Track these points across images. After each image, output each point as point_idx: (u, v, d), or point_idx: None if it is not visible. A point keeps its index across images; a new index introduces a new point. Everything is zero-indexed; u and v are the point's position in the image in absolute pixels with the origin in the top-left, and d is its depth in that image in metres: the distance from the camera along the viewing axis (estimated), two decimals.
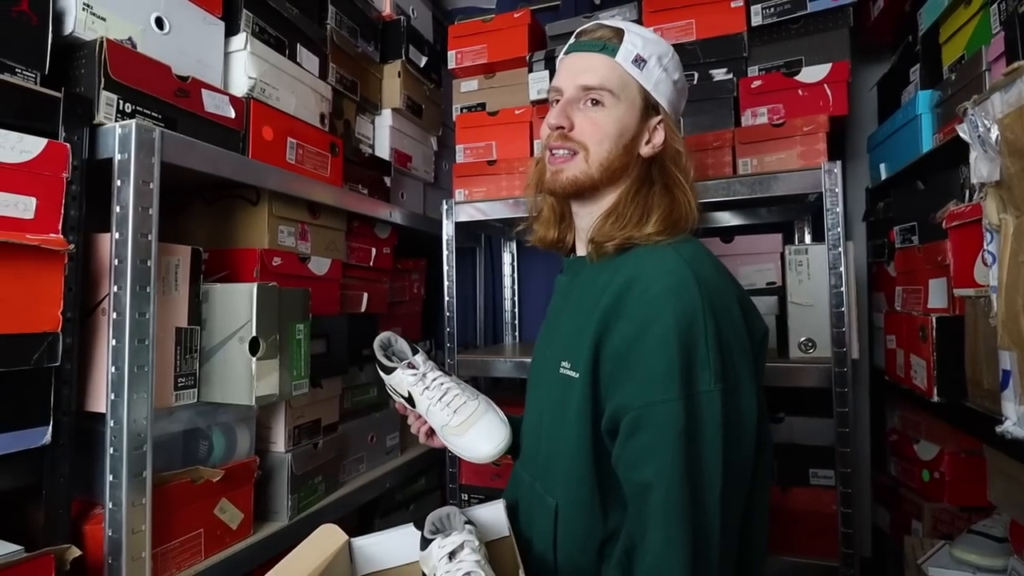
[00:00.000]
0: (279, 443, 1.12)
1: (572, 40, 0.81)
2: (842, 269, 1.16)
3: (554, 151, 0.78)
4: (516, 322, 1.97)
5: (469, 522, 0.71)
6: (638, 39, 0.76)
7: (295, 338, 1.04)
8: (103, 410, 0.82)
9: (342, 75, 1.37)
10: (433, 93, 1.70)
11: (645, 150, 0.78)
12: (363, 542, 0.74)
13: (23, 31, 0.78)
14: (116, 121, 0.85)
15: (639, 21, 1.45)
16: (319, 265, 1.21)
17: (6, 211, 0.72)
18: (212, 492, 0.96)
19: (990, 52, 0.99)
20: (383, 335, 0.95)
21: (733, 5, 1.36)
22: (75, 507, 0.83)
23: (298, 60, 1.22)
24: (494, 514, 0.76)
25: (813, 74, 1.29)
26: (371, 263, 1.42)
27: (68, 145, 0.79)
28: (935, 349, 1.06)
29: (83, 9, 0.85)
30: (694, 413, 0.63)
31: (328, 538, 0.72)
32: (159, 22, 0.96)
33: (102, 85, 0.84)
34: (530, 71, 1.50)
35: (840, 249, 1.16)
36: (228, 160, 1.00)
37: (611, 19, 0.82)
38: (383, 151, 1.52)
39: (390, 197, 1.50)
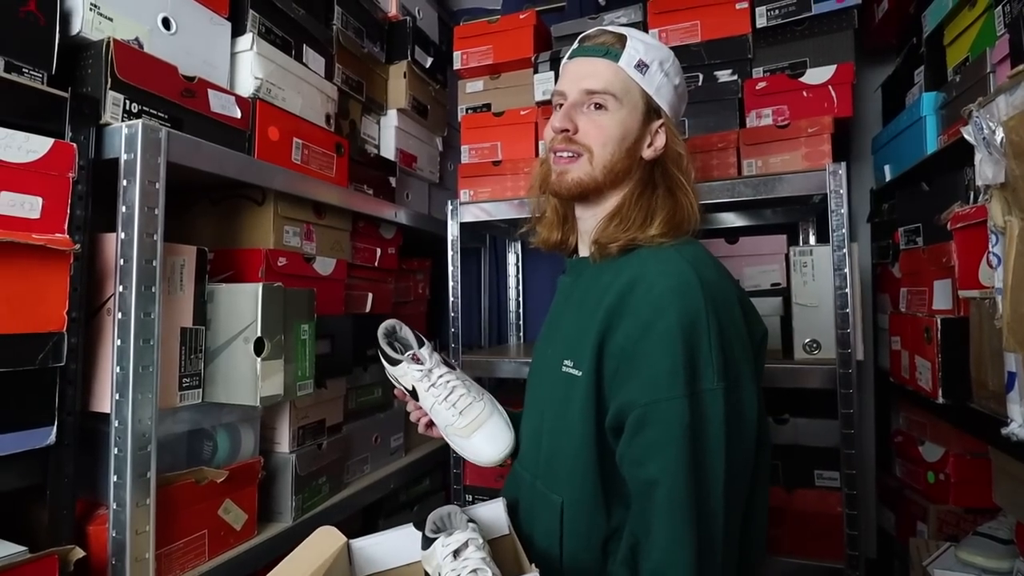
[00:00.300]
0: (283, 443, 1.12)
1: (576, 45, 0.82)
2: (847, 270, 1.16)
3: (558, 153, 0.79)
4: (520, 323, 1.97)
5: (471, 520, 0.71)
6: (640, 45, 0.77)
7: (300, 338, 1.04)
8: (107, 410, 0.82)
9: (348, 75, 1.38)
10: (438, 94, 1.70)
11: (647, 153, 0.79)
12: (362, 543, 0.74)
13: (31, 31, 0.78)
14: (123, 121, 0.85)
15: (644, 22, 1.46)
16: (324, 265, 1.21)
17: (12, 211, 0.72)
18: (216, 493, 0.96)
19: (995, 54, 0.99)
20: (388, 323, 0.93)
21: (738, 7, 1.36)
22: (79, 507, 0.82)
23: (304, 60, 1.22)
24: (494, 512, 0.76)
25: (818, 76, 1.29)
26: (376, 263, 1.42)
27: (74, 145, 0.79)
28: (940, 350, 1.06)
29: (90, 9, 0.85)
30: (698, 410, 0.64)
31: (326, 540, 0.72)
32: (166, 22, 0.96)
33: (109, 85, 0.84)
34: (535, 72, 1.50)
35: (844, 250, 1.16)
36: (234, 160, 1.00)
37: (614, 25, 0.83)
38: (388, 151, 1.52)
39: (395, 197, 1.50)
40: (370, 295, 1.39)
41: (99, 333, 0.84)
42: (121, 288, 0.82)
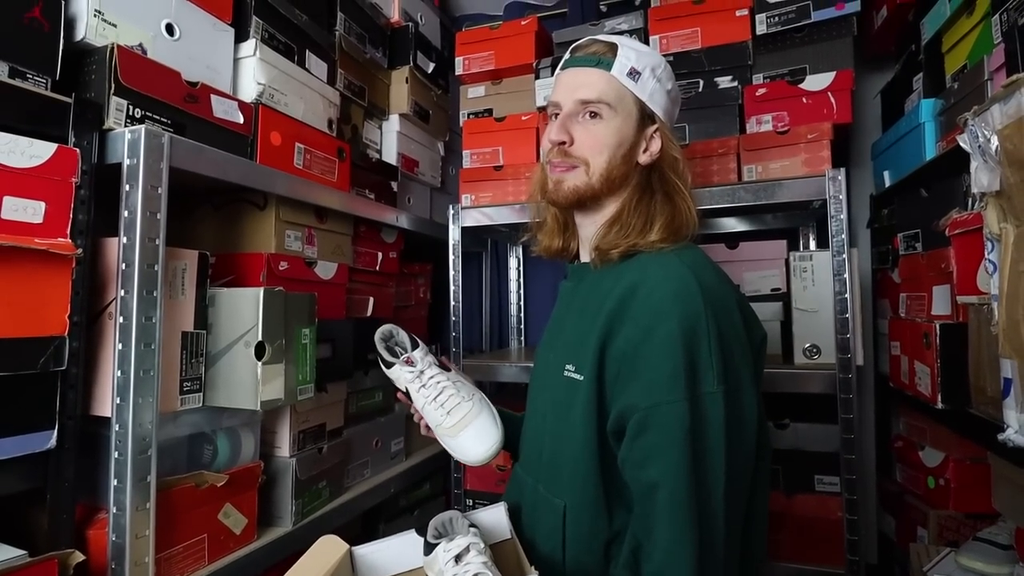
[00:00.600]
0: (284, 448, 1.12)
1: (567, 56, 0.83)
2: (846, 276, 1.16)
3: (555, 164, 0.80)
4: (522, 327, 1.97)
5: (473, 525, 0.71)
6: (632, 52, 0.78)
7: (301, 342, 1.04)
8: (108, 414, 0.82)
9: (350, 81, 1.38)
10: (440, 99, 1.71)
11: (643, 158, 0.79)
12: (364, 550, 0.74)
13: (35, 37, 0.79)
14: (126, 126, 0.85)
15: (645, 29, 1.47)
16: (325, 269, 1.21)
17: (15, 215, 0.73)
18: (216, 497, 0.95)
19: (992, 62, 0.99)
20: (384, 327, 0.94)
21: (738, 14, 1.37)
22: (79, 511, 0.82)
23: (307, 66, 1.23)
24: (496, 517, 0.76)
25: (817, 82, 1.30)
26: (377, 267, 1.43)
27: (78, 150, 0.79)
28: (939, 356, 1.06)
29: (94, 15, 0.86)
30: (699, 414, 0.64)
31: (329, 549, 0.72)
32: (169, 28, 0.97)
33: (112, 90, 0.84)
34: (537, 77, 1.51)
35: (844, 256, 1.16)
36: (236, 165, 1.00)
37: (604, 33, 0.84)
38: (390, 156, 1.53)
39: (397, 202, 1.50)
40: (371, 299, 1.40)
41: (100, 337, 0.84)
42: (123, 292, 0.82)
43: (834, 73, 1.29)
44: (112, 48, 0.84)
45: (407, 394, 0.92)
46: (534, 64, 1.52)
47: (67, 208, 0.78)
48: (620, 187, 0.79)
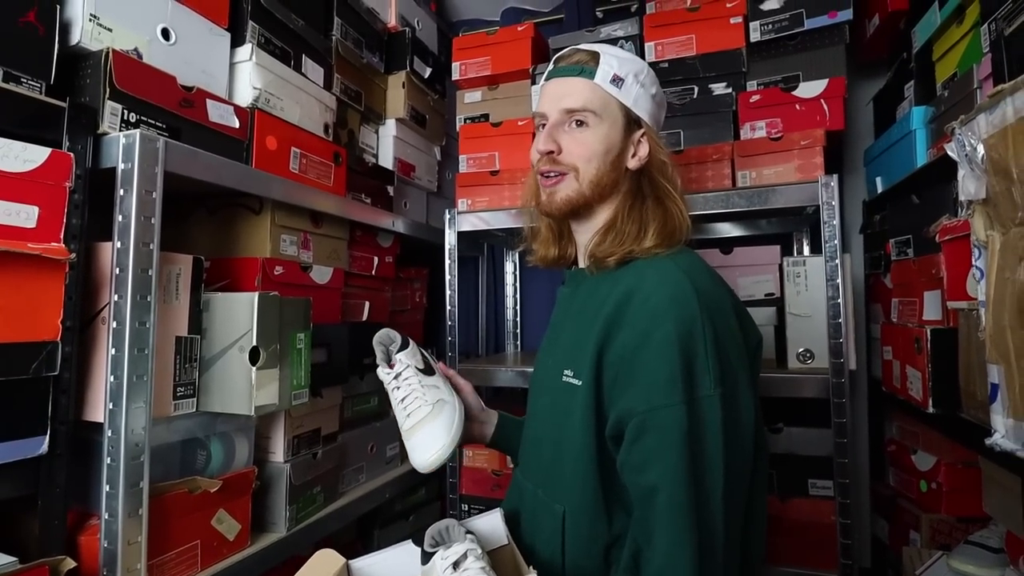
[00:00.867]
0: (278, 453, 1.11)
1: (550, 67, 0.84)
2: (839, 281, 1.17)
3: (545, 175, 0.80)
4: (518, 331, 1.97)
5: (469, 532, 0.71)
6: (614, 60, 0.79)
7: (296, 347, 1.04)
8: (101, 419, 0.81)
9: (347, 85, 1.38)
10: (437, 103, 1.71)
11: (632, 163, 0.80)
12: (362, 563, 0.73)
13: (30, 41, 0.79)
14: (120, 131, 0.85)
15: (641, 35, 1.48)
16: (321, 274, 1.21)
17: (8, 220, 0.72)
18: (209, 503, 0.95)
19: (981, 71, 1.01)
20: (382, 332, 0.91)
21: (732, 21, 1.38)
22: (70, 517, 0.82)
23: (303, 71, 1.23)
24: (492, 524, 0.76)
25: (810, 89, 1.31)
26: (373, 272, 1.43)
27: (72, 154, 0.79)
28: (930, 361, 1.07)
29: (90, 20, 0.85)
30: (696, 417, 0.65)
31: (326, 562, 0.72)
32: (165, 33, 0.97)
33: (107, 95, 0.84)
34: (533, 83, 1.52)
35: (837, 261, 1.17)
36: (231, 170, 1.00)
37: (587, 43, 0.86)
38: (387, 160, 1.53)
39: (393, 206, 1.50)
40: (367, 304, 1.39)
41: (93, 342, 0.84)
42: (116, 297, 0.81)
43: (827, 80, 1.30)
44: (107, 52, 0.84)
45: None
46: (530, 70, 1.53)
47: (61, 213, 0.77)
48: (611, 194, 0.80)
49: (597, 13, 1.81)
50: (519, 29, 1.55)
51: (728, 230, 1.68)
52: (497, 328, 2.00)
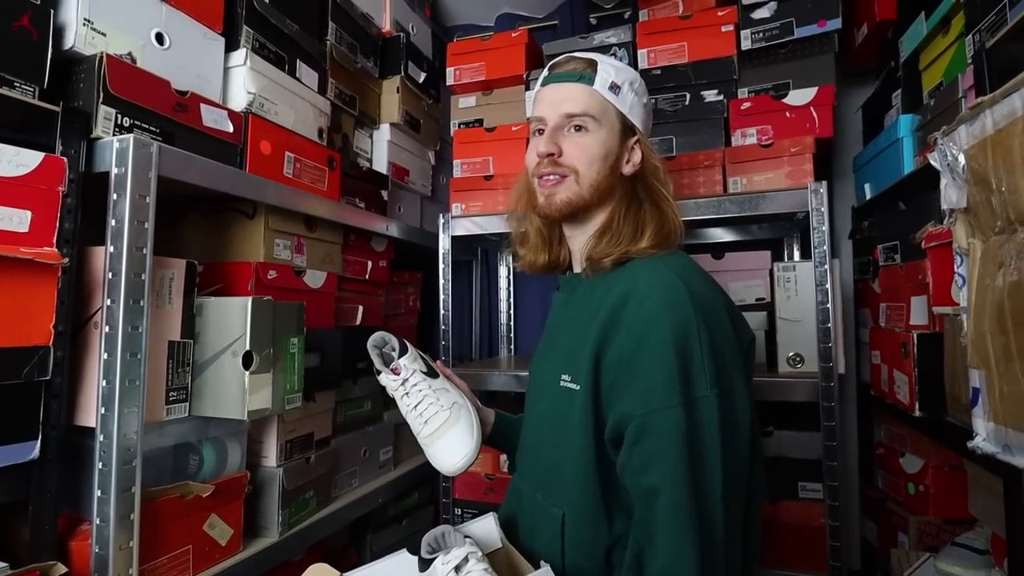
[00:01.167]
0: (271, 457, 1.11)
1: (546, 73, 0.85)
2: (828, 286, 1.18)
3: (544, 177, 0.81)
4: (511, 335, 1.97)
5: (466, 536, 0.71)
6: (611, 68, 0.81)
7: (289, 352, 1.04)
8: (93, 424, 0.81)
9: (341, 90, 1.39)
10: (431, 108, 1.72)
11: (627, 169, 0.82)
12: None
13: (23, 46, 0.79)
14: (114, 135, 0.85)
15: (633, 42, 1.49)
16: (314, 278, 1.21)
17: (1, 224, 0.72)
18: (202, 508, 0.95)
19: (965, 80, 1.03)
20: (376, 335, 0.92)
21: (724, 29, 1.40)
22: (62, 523, 0.81)
23: (297, 75, 1.23)
24: (486, 528, 0.76)
25: (800, 97, 1.33)
26: (367, 276, 1.43)
27: (65, 159, 0.79)
28: (916, 365, 1.09)
29: (84, 24, 0.86)
30: (694, 418, 0.66)
31: None
32: (159, 37, 0.97)
33: (101, 99, 0.84)
34: (527, 89, 1.53)
35: (826, 267, 1.19)
36: (225, 175, 1.00)
37: (580, 51, 0.88)
38: (381, 165, 1.54)
39: (387, 211, 1.51)
40: (360, 308, 1.40)
41: (85, 347, 0.83)
42: (109, 302, 0.81)
43: (816, 88, 1.32)
44: (101, 57, 0.84)
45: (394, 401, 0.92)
46: (524, 75, 1.54)
47: (54, 217, 0.77)
48: (607, 198, 0.81)
49: (591, 20, 1.82)
50: (513, 35, 1.57)
51: (720, 235, 1.70)
52: (491, 332, 2.00)
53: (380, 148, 1.54)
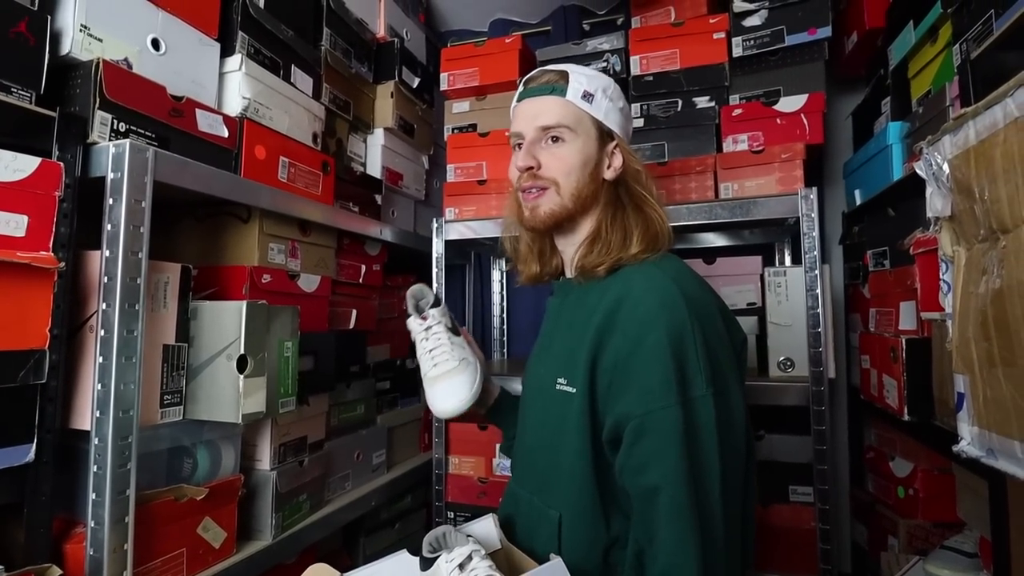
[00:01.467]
0: (264, 460, 1.12)
1: (521, 88, 0.87)
2: (818, 291, 1.20)
3: (526, 191, 0.83)
4: (504, 339, 1.98)
5: (468, 535, 0.72)
6: (582, 77, 0.82)
7: (283, 355, 1.04)
8: (88, 428, 0.82)
9: (336, 95, 1.40)
10: (425, 113, 1.73)
11: (608, 174, 0.83)
12: None
13: (20, 51, 0.79)
14: (110, 140, 0.86)
15: (626, 49, 1.51)
16: (309, 282, 1.22)
17: None
18: (195, 510, 0.95)
19: (953, 89, 1.04)
20: (417, 286, 1.02)
21: (715, 36, 1.41)
22: (56, 525, 0.82)
23: (292, 80, 1.24)
24: (485, 528, 0.77)
25: (791, 104, 1.35)
26: (361, 280, 1.43)
27: (61, 164, 0.80)
28: (905, 370, 1.10)
29: (80, 30, 0.86)
30: (691, 417, 0.67)
31: None
32: (155, 43, 0.98)
33: (97, 105, 0.85)
34: None
35: (816, 272, 1.20)
36: (221, 179, 1.01)
37: (552, 64, 0.88)
38: (375, 169, 1.54)
39: (381, 215, 1.52)
40: (354, 311, 1.40)
41: (80, 350, 0.84)
42: (104, 306, 0.82)
43: (807, 95, 1.34)
44: (97, 63, 0.85)
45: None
46: (518, 81, 1.54)
47: (50, 222, 0.78)
48: (592, 205, 0.83)
49: (584, 26, 1.84)
50: (507, 41, 1.58)
51: (711, 240, 1.71)
52: (484, 335, 2.01)
53: (374, 153, 1.55)
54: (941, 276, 0.81)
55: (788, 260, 1.64)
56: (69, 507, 0.85)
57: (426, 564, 0.69)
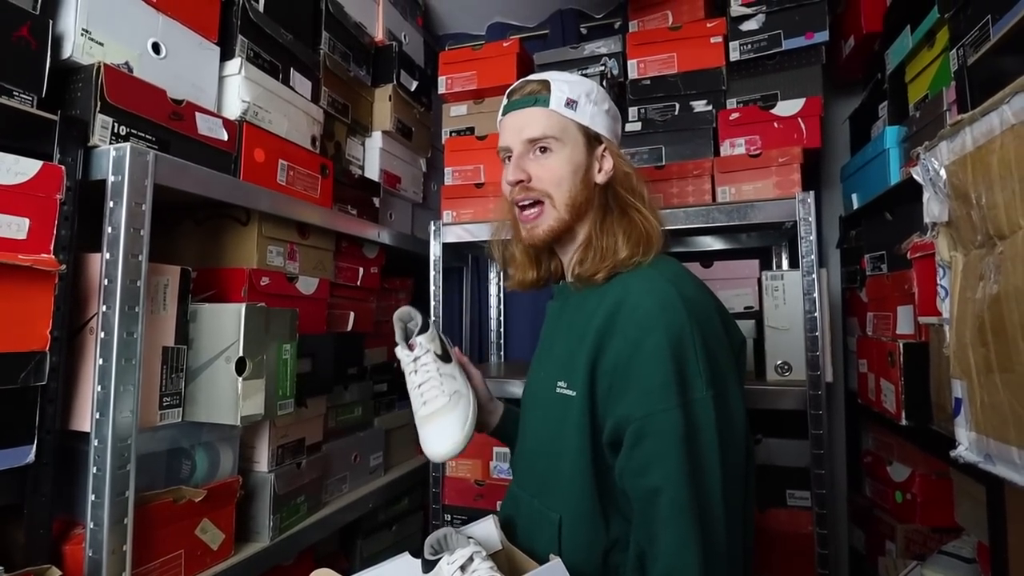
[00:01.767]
0: (262, 462, 1.12)
1: (505, 102, 0.87)
2: (815, 295, 1.20)
3: (521, 205, 0.83)
4: (501, 342, 1.98)
5: (469, 537, 0.72)
6: (564, 84, 0.82)
7: (282, 358, 1.05)
8: (87, 429, 0.82)
9: (334, 98, 1.40)
10: (423, 116, 1.74)
11: (600, 178, 0.84)
12: None
13: (22, 55, 0.80)
14: (111, 143, 0.86)
15: (624, 53, 1.51)
16: (307, 285, 1.23)
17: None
18: (194, 512, 0.95)
19: (950, 94, 1.04)
20: (403, 309, 0.94)
21: (713, 40, 1.42)
22: (56, 526, 0.82)
23: (291, 84, 1.25)
24: (486, 530, 0.77)
25: (788, 108, 1.35)
26: (358, 282, 1.44)
27: (63, 167, 0.80)
28: (903, 374, 1.10)
29: (81, 34, 0.87)
30: (691, 419, 0.67)
31: None
32: (156, 47, 0.98)
33: (98, 108, 0.86)
34: None
35: (814, 276, 1.20)
36: (220, 182, 1.02)
37: (533, 75, 0.88)
38: (373, 172, 1.55)
39: (379, 218, 1.52)
40: (352, 314, 1.41)
41: (81, 352, 0.84)
42: (104, 308, 0.82)
43: (804, 99, 1.34)
44: (98, 66, 0.86)
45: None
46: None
47: (51, 224, 0.79)
48: (587, 211, 0.83)
49: (581, 30, 1.85)
50: (504, 45, 1.59)
51: (709, 243, 1.72)
52: (481, 338, 2.01)
53: (372, 156, 1.56)
54: (938, 281, 0.81)
55: (785, 264, 1.65)
56: (69, 508, 0.85)
57: (428, 566, 0.69)
